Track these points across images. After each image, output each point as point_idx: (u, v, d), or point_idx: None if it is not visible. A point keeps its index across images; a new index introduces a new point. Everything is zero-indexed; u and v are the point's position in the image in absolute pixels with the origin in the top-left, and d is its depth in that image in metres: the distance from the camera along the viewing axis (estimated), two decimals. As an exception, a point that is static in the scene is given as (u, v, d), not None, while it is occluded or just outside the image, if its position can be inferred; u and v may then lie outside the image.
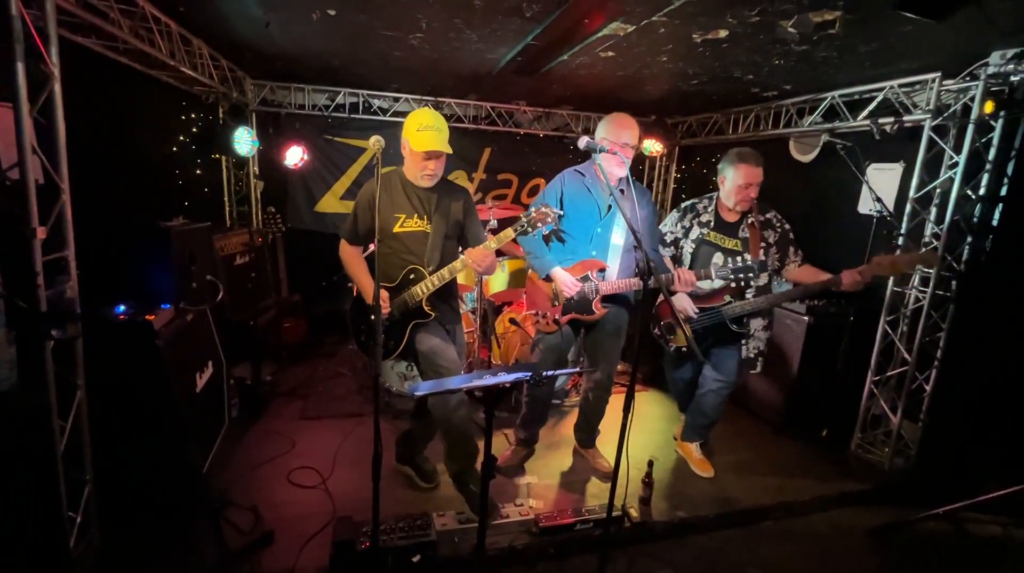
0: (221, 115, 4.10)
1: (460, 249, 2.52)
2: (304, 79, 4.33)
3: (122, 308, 2.23)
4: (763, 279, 2.69)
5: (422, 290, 2.30)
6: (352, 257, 2.44)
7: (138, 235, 2.44)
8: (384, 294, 2.27)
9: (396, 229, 2.31)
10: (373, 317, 2.29)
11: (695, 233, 2.80)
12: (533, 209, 2.23)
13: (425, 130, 2.17)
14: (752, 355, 2.78)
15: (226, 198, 4.44)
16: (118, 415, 2.15)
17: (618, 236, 2.58)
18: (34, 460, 1.78)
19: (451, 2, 2.29)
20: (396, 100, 4.61)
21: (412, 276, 2.32)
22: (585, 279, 2.56)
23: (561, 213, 2.35)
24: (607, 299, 2.61)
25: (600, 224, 2.58)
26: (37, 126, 1.72)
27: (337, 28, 2.76)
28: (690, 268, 2.76)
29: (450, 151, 2.24)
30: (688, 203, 2.90)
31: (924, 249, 2.89)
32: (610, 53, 2.91)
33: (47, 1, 1.71)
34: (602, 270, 2.58)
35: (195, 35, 3.07)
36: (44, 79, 1.74)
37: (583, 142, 2.13)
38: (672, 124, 5.24)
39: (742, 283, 2.44)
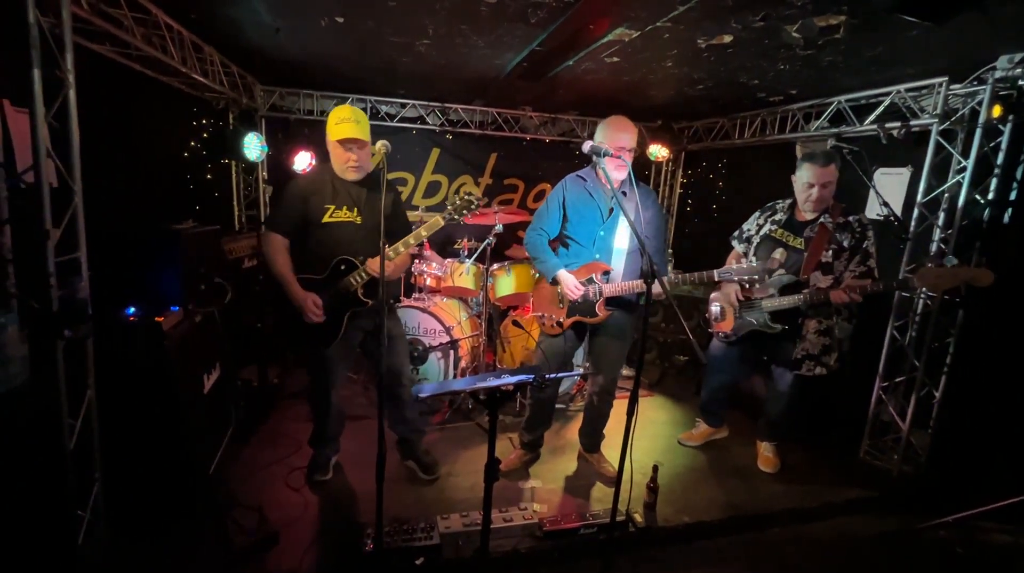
0: (231, 121, 4.15)
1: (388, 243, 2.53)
2: (313, 85, 4.38)
3: (132, 309, 2.27)
4: (825, 282, 2.67)
5: (356, 280, 2.33)
6: (279, 251, 2.36)
7: (149, 238, 2.47)
8: (318, 299, 2.31)
9: (325, 219, 2.33)
10: (355, 309, 2.36)
11: (765, 229, 2.89)
12: (458, 197, 2.26)
13: (343, 122, 2.22)
14: (799, 357, 2.78)
15: (235, 202, 4.49)
16: (126, 415, 2.18)
17: (622, 239, 2.59)
18: (44, 458, 1.80)
19: (458, 9, 2.32)
20: (403, 106, 4.65)
21: (343, 267, 2.34)
22: (589, 282, 2.58)
23: (485, 199, 2.36)
24: (611, 302, 2.61)
25: (603, 227, 2.60)
26: (51, 131, 1.76)
27: (345, 35, 2.80)
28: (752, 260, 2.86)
29: (367, 139, 2.26)
30: (771, 203, 2.98)
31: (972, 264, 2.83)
32: (615, 58, 2.93)
33: (63, 9, 1.75)
34: (606, 273, 2.59)
35: (206, 42, 3.12)
36: (59, 85, 1.78)
37: (587, 146, 2.14)
38: (678, 129, 5.24)
39: (745, 286, 2.45)
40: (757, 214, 2.99)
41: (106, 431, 2.06)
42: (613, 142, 2.43)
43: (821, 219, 2.70)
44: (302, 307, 2.31)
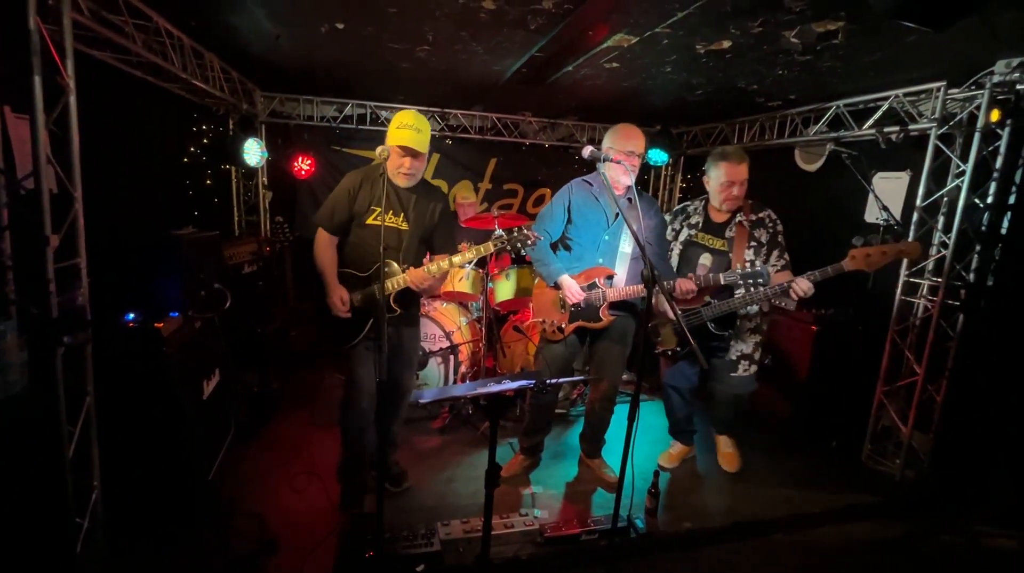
0: (231, 126, 4.16)
1: (428, 253, 2.52)
2: (313, 91, 4.40)
3: (131, 315, 2.26)
4: None
5: (392, 286, 2.29)
6: (324, 247, 2.37)
7: (148, 243, 2.48)
8: (345, 297, 2.28)
9: (369, 220, 2.31)
10: (374, 319, 2.32)
11: (684, 234, 2.83)
12: (516, 231, 2.23)
13: (403, 128, 2.19)
14: (734, 358, 2.79)
15: (235, 208, 4.49)
16: (126, 421, 2.17)
17: (626, 244, 2.58)
18: (42, 465, 1.79)
19: (457, 15, 2.33)
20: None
21: (385, 270, 2.28)
22: (592, 286, 2.57)
23: (540, 237, 2.36)
24: (615, 306, 2.61)
25: (608, 232, 2.59)
26: (52, 137, 1.76)
27: (345, 41, 2.81)
28: (678, 270, 2.80)
29: (425, 151, 2.25)
30: (680, 206, 2.93)
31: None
32: (614, 64, 2.94)
33: (64, 16, 1.76)
34: (610, 277, 2.58)
35: (207, 48, 3.13)
36: (60, 91, 1.78)
37: (587, 151, 2.14)
38: (677, 134, 5.26)
39: (751, 288, 2.43)
40: (670, 218, 2.91)
41: (105, 437, 2.05)
42: (621, 147, 2.45)
43: (738, 218, 2.70)
44: (330, 297, 2.29)
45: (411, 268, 2.27)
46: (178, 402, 2.28)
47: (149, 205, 3.19)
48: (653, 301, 2.72)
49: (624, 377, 4.21)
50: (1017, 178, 2.76)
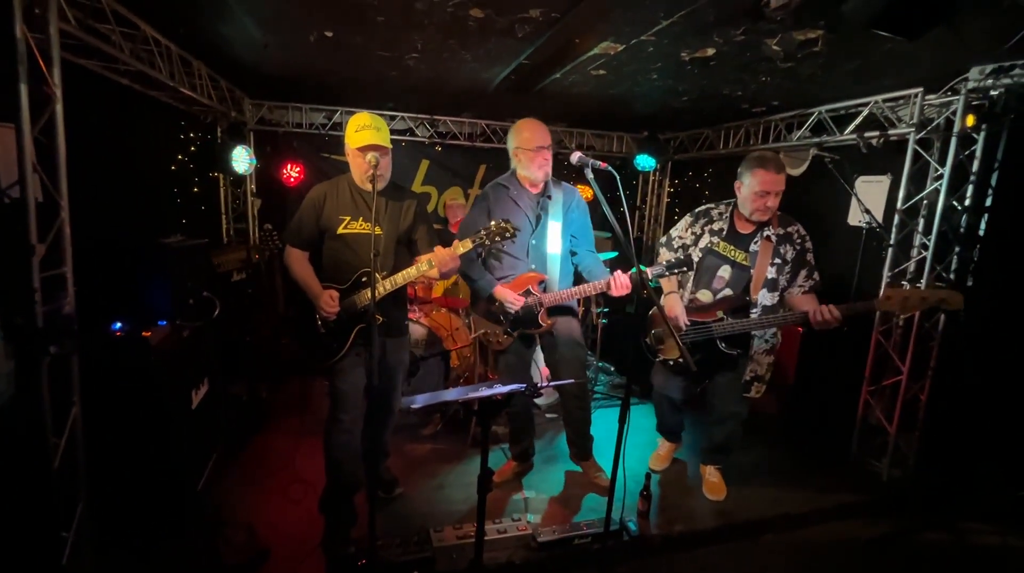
0: (219, 134, 4.15)
1: (412, 256, 2.44)
2: (302, 98, 4.39)
3: (119, 324, 2.24)
4: (770, 299, 2.51)
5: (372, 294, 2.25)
6: (297, 261, 2.32)
7: (136, 252, 2.46)
8: (334, 293, 2.21)
9: (340, 230, 2.25)
10: (365, 325, 2.28)
11: (704, 241, 2.62)
12: (493, 222, 2.21)
13: (362, 129, 2.13)
14: (748, 378, 2.67)
15: (223, 215, 4.47)
16: (113, 431, 2.14)
17: (554, 245, 2.56)
18: (27, 476, 1.77)
19: (446, 24, 2.35)
20: (392, 119, 4.67)
21: (364, 279, 2.24)
22: (527, 294, 2.55)
23: (519, 228, 2.29)
24: (554, 310, 2.60)
25: (534, 236, 2.57)
26: (38, 145, 1.75)
27: (334, 49, 2.82)
28: (695, 280, 2.65)
29: (389, 146, 2.18)
30: (703, 208, 2.71)
31: (937, 282, 2.86)
32: (601, 71, 2.98)
33: (50, 25, 1.76)
34: (542, 282, 2.57)
35: (195, 56, 3.12)
36: (46, 100, 1.78)
37: (575, 157, 2.16)
38: (664, 139, 5.32)
39: (679, 276, 2.37)
40: (690, 220, 2.70)
41: (92, 448, 2.02)
42: (534, 143, 2.43)
43: (766, 232, 2.50)
44: (317, 301, 2.21)
45: (438, 248, 2.19)
46: (166, 412, 2.26)
47: (136, 213, 3.16)
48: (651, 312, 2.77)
49: (615, 381, 4.25)
50: (993, 181, 2.84)
